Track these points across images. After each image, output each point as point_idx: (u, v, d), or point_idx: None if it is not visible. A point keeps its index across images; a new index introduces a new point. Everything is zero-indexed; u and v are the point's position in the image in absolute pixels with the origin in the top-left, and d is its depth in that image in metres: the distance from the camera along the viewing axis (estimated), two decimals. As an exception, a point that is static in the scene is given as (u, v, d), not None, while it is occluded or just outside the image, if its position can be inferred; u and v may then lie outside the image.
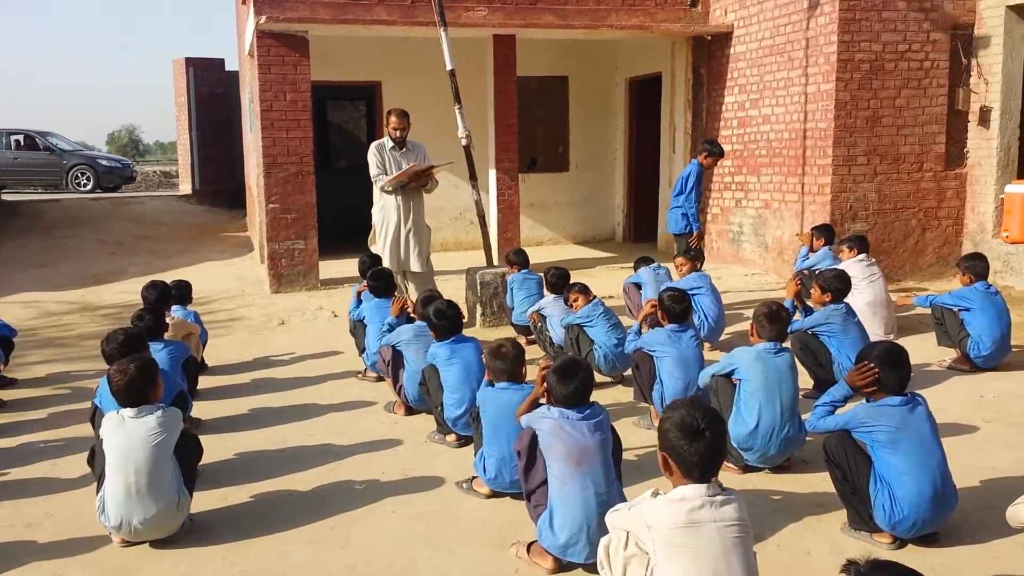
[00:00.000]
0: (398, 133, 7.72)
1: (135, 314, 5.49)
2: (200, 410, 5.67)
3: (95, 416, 4.52)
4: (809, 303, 6.06)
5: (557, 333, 6.45)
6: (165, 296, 6.22)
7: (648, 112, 12.39)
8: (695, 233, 8.25)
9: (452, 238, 12.50)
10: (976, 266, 6.38)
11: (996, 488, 4.17)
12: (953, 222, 9.43)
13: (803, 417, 4.50)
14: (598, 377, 5.82)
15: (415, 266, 7.87)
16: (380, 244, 7.80)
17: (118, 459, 3.73)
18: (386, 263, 7.59)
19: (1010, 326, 6.26)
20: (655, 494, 2.72)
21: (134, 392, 3.83)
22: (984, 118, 9.13)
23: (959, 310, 6.24)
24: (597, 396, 5.23)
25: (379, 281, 6.54)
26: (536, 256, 8.03)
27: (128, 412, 3.81)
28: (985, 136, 9.17)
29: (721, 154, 8.37)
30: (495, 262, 8.54)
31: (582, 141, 13.16)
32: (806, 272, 7.73)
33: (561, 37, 11.03)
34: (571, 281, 6.72)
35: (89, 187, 20.49)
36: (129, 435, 3.75)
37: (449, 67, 7.85)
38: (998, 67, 8.98)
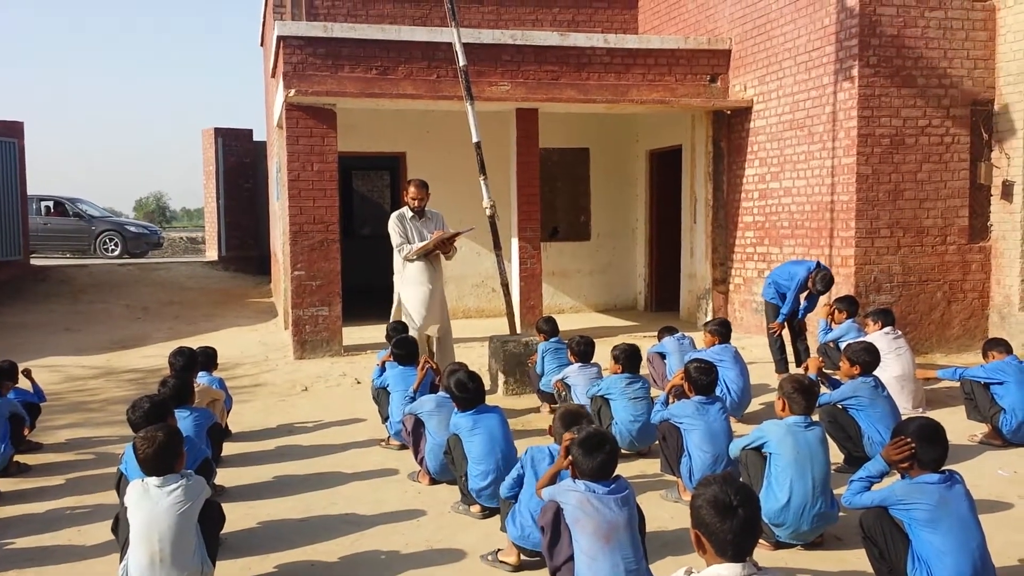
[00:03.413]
0: (416, 203, 7.83)
1: (161, 381, 5.51)
2: (224, 477, 5.65)
3: (120, 483, 4.50)
4: (836, 376, 6.01)
5: (582, 402, 6.41)
6: (192, 363, 6.25)
7: (669, 183, 12.52)
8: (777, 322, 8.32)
9: (474, 305, 12.56)
10: (1001, 345, 6.37)
11: (1035, 568, 4.06)
12: (979, 295, 9.38)
13: (835, 492, 4.43)
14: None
15: (443, 329, 7.92)
16: (415, 307, 7.79)
17: (142, 528, 3.71)
18: (423, 325, 7.62)
19: (1043, 401, 6.16)
20: (688, 572, 2.67)
21: (159, 461, 3.83)
22: (1007, 192, 9.15)
23: (990, 384, 6.16)
24: (622, 468, 5.20)
25: (403, 349, 6.55)
26: (559, 324, 8.04)
27: (153, 481, 3.80)
28: (1008, 210, 9.18)
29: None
30: (518, 330, 8.56)
31: (603, 211, 13.29)
32: (830, 345, 7.70)
33: (583, 111, 11.24)
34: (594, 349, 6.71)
35: (117, 252, 20.82)
36: (154, 504, 3.73)
37: (475, 139, 8.01)
38: (1018, 141, 9.05)
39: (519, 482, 4.20)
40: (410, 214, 7.88)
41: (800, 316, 8.35)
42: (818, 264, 8.20)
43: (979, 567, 3.47)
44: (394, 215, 7.97)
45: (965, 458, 5.81)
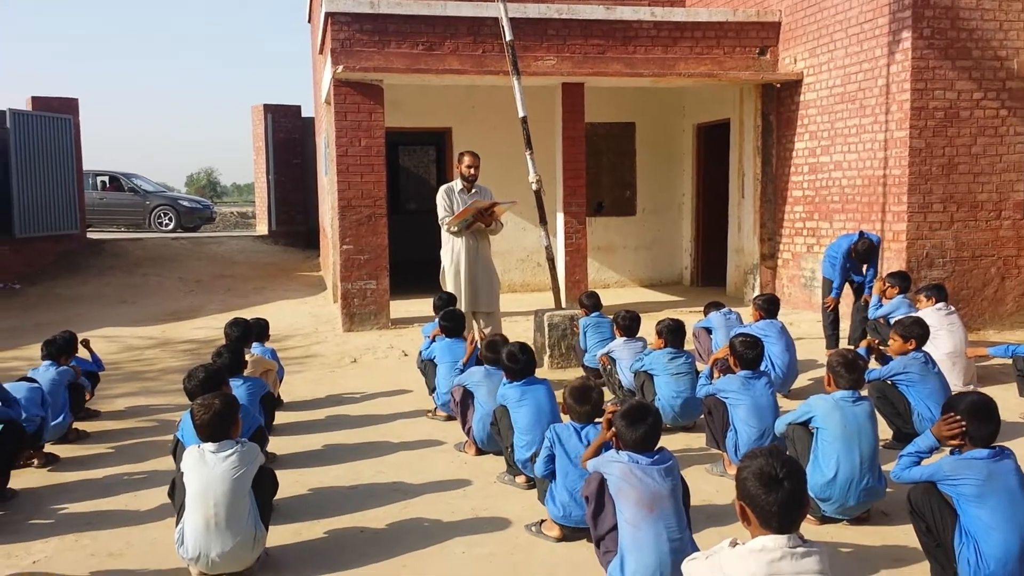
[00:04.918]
0: (472, 171, 7.81)
1: (215, 351, 5.64)
2: (275, 445, 5.79)
3: (176, 450, 4.63)
4: (886, 351, 5.94)
5: (626, 376, 6.43)
6: (247, 333, 6.39)
7: (716, 158, 12.38)
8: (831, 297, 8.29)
9: (519, 280, 12.61)
10: None
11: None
12: (1035, 271, 9.16)
13: (883, 468, 4.40)
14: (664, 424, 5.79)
15: (486, 306, 7.93)
16: (451, 285, 7.87)
17: (198, 492, 3.82)
18: (466, 306, 7.68)
19: (1099, 378, 6.04)
20: (733, 544, 2.68)
21: (216, 428, 3.93)
22: (1065, 165, 8.90)
23: (1044, 361, 6.04)
24: (667, 442, 5.22)
25: (451, 321, 6.63)
26: (604, 299, 8.05)
27: (209, 447, 3.90)
28: (1067, 183, 8.92)
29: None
30: (563, 304, 8.58)
31: (649, 186, 13.21)
32: (881, 321, 7.59)
33: (629, 85, 11.15)
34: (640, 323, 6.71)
35: (171, 227, 21.27)
36: (209, 469, 3.84)
37: (521, 114, 8.00)
38: (1080, 113, 8.78)
39: (552, 460, 4.25)
40: (458, 187, 7.89)
41: (867, 291, 8.21)
42: (861, 233, 8.12)
43: (1028, 543, 3.44)
44: (442, 188, 8.00)
45: (1018, 436, 5.71)
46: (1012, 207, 9.04)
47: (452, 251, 7.89)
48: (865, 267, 8.27)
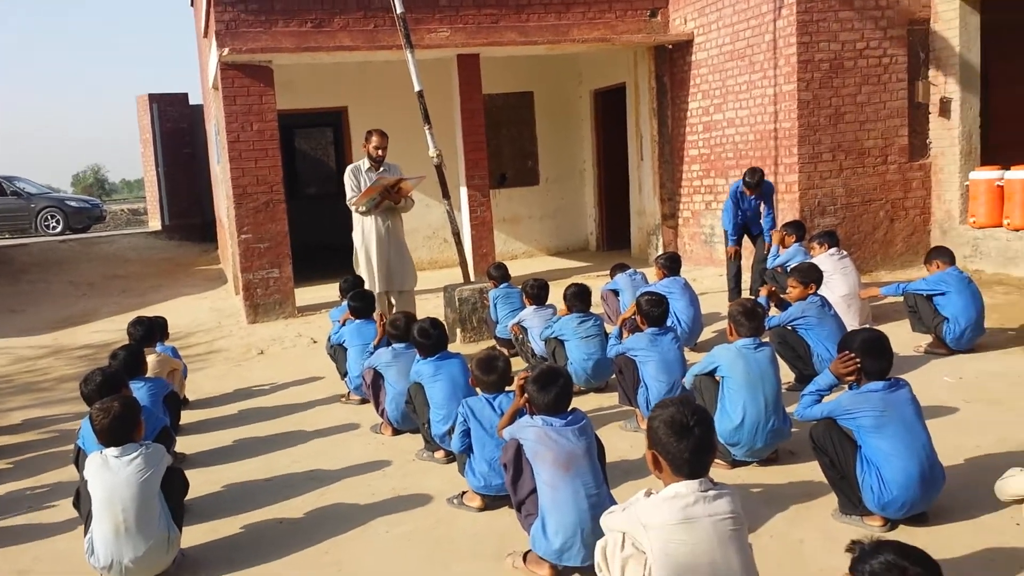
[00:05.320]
0: (380, 152, 7.61)
1: (111, 353, 5.44)
2: (184, 445, 5.62)
3: (79, 458, 4.47)
4: (786, 298, 6.12)
5: (538, 344, 6.46)
6: (151, 332, 6.20)
7: (614, 122, 12.49)
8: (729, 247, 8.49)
9: (427, 257, 12.50)
10: (944, 257, 6.51)
11: (981, 465, 4.22)
12: (920, 211, 9.58)
13: (788, 410, 4.55)
14: (576, 388, 5.86)
15: (400, 285, 7.79)
16: (364, 267, 7.72)
17: (104, 499, 3.70)
18: (373, 286, 7.55)
19: (983, 308, 6.36)
20: (648, 493, 2.73)
21: (117, 431, 3.80)
22: (944, 109, 9.30)
23: (933, 295, 6.33)
24: (580, 403, 5.28)
25: (361, 302, 6.53)
26: (512, 270, 8.06)
27: (112, 452, 3.78)
28: (946, 126, 9.34)
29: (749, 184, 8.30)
30: (472, 278, 8.55)
31: (551, 154, 13.25)
32: (779, 269, 7.82)
33: (524, 53, 11.12)
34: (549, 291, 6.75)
35: (59, 229, 20.28)
36: (114, 474, 3.72)
37: (417, 88, 7.87)
38: (955, 59, 9.17)
39: (467, 434, 4.25)
40: (366, 166, 7.70)
41: (766, 236, 8.36)
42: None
43: (926, 467, 3.61)
44: (349, 168, 7.80)
45: (912, 368, 6.00)
46: (897, 152, 9.41)
47: (363, 232, 7.72)
48: (763, 209, 8.38)
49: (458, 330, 7.91)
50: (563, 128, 13.26)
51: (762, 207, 8.39)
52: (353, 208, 7.69)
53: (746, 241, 8.69)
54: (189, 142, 18.74)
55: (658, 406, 2.82)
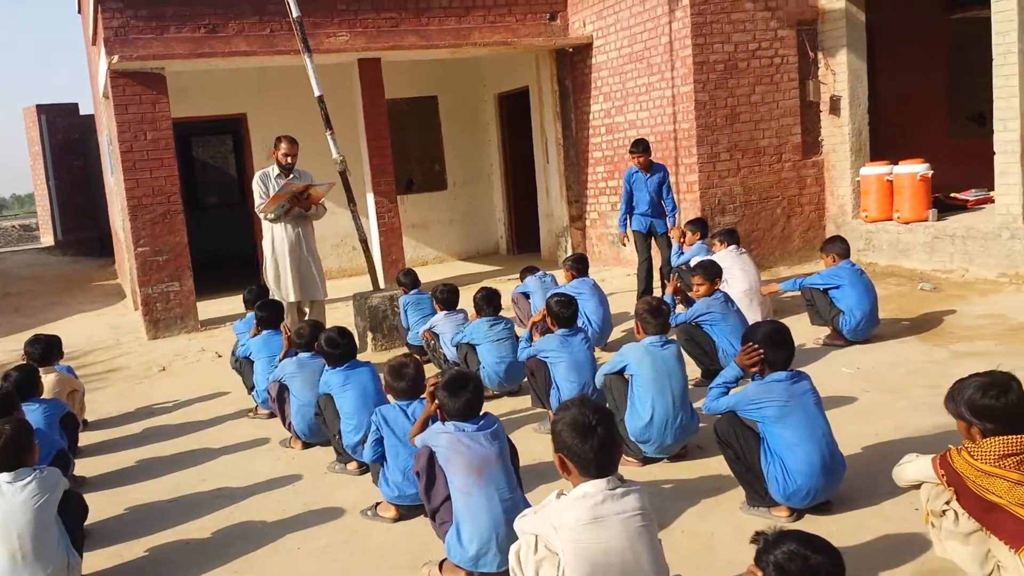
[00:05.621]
0: (289, 159, 7.47)
1: (2, 375, 5.20)
2: (84, 467, 5.41)
3: (-33, 487, 4.23)
4: (692, 295, 6.26)
5: (450, 350, 6.43)
6: (49, 351, 5.95)
7: (519, 125, 12.56)
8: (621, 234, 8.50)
9: (336, 266, 12.29)
10: (839, 247, 6.75)
11: (880, 452, 4.38)
12: (815, 207, 9.95)
13: (695, 405, 4.65)
14: (489, 392, 5.87)
15: (312, 294, 7.67)
16: (272, 277, 7.54)
17: (-1, 527, 3.53)
18: (288, 295, 7.39)
19: (876, 299, 6.63)
20: (560, 495, 2.74)
21: (9, 456, 3.67)
22: (834, 107, 9.68)
23: (829, 288, 6.57)
24: (493, 407, 5.28)
25: (268, 311, 6.36)
26: (423, 275, 8.01)
27: (4, 477, 3.64)
28: (837, 124, 9.72)
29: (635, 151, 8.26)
30: (381, 285, 8.46)
31: (458, 159, 13.22)
32: (683, 267, 7.99)
33: (426, 57, 11.07)
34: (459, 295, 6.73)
35: (-59, 248, 19.20)
36: (8, 501, 3.59)
37: (317, 93, 7.74)
38: (843, 57, 9.54)
39: (380, 443, 4.20)
40: (275, 173, 7.54)
41: (670, 219, 8.37)
42: None
43: (827, 455, 3.73)
44: (258, 174, 7.64)
45: (812, 361, 6.21)
46: (791, 150, 9.75)
47: (273, 240, 7.56)
48: (663, 191, 8.32)
49: (369, 338, 7.81)
50: (469, 132, 13.25)
51: (663, 190, 8.35)
52: (262, 215, 7.53)
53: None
54: (81, 153, 18.02)
55: (560, 409, 2.84)
